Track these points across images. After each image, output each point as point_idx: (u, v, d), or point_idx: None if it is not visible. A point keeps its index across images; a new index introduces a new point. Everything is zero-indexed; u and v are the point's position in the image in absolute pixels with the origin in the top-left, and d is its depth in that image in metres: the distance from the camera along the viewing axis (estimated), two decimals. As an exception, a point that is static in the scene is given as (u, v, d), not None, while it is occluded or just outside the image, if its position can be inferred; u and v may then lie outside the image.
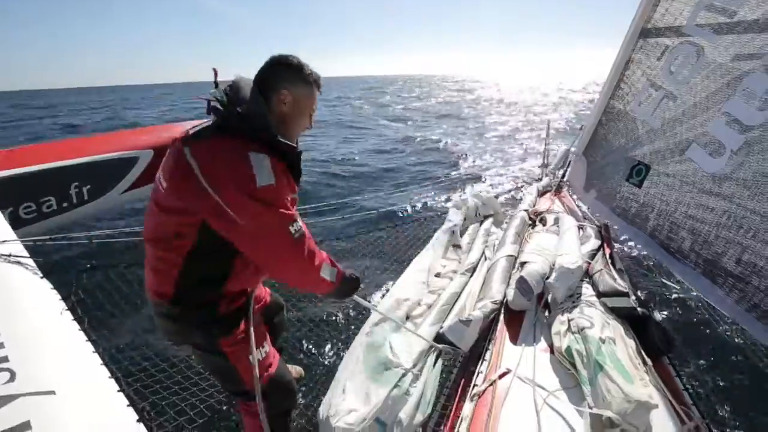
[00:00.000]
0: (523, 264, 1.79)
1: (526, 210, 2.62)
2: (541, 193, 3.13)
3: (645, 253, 3.01)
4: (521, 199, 3.07)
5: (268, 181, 1.04)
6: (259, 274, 1.31)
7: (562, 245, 1.93)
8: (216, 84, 1.19)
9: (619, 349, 1.34)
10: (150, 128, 5.17)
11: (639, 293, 1.75)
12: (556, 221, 2.42)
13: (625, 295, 1.55)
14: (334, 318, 2.70)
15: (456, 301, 1.77)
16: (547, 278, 1.68)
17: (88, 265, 2.92)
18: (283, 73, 1.17)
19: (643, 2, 2.44)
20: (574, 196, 3.07)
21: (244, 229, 1.06)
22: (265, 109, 1.12)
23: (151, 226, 1.19)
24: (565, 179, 3.17)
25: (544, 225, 2.49)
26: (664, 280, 2.87)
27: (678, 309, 2.58)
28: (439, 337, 1.57)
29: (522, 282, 1.65)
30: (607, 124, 2.80)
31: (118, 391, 0.99)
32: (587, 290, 1.66)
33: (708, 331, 2.34)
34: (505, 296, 1.72)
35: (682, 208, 2.11)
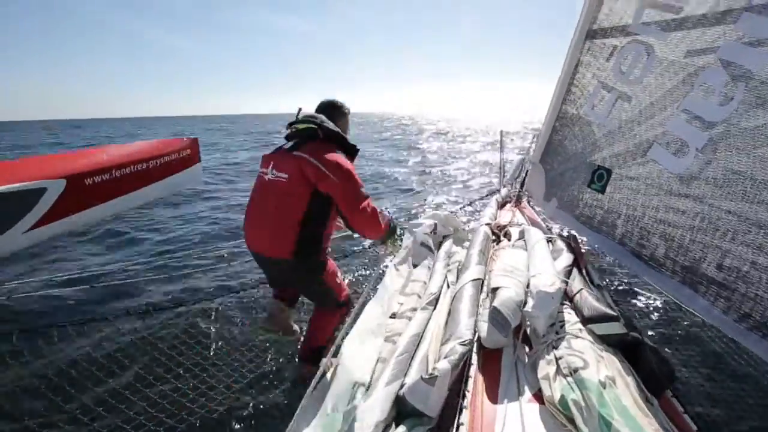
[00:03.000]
0: (494, 290, 1.52)
1: (488, 224, 2.40)
2: (501, 205, 2.95)
3: (617, 263, 2.90)
4: (480, 213, 2.87)
5: (348, 163, 1.77)
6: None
7: (534, 263, 1.70)
8: (297, 116, 1.81)
9: (622, 392, 1.08)
10: (62, 155, 4.50)
11: (626, 313, 1.52)
12: (522, 234, 2.20)
13: (615, 319, 1.32)
14: (285, 366, 2.26)
15: (418, 346, 1.44)
16: (524, 305, 1.42)
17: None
18: (339, 110, 1.99)
19: (586, 3, 2.37)
20: (536, 206, 2.92)
21: (340, 184, 1.68)
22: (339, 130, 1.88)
23: (266, 204, 1.74)
24: (524, 189, 3.03)
25: (509, 239, 2.27)
26: (640, 291, 2.75)
27: (664, 325, 2.44)
28: (400, 401, 1.23)
29: (496, 314, 1.37)
30: (562, 129, 2.69)
31: None
32: (570, 316, 1.41)
33: (701, 348, 2.21)
34: (475, 332, 1.43)
35: (651, 212, 1.97)
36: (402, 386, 1.26)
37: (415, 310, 1.72)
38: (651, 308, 2.45)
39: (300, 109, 1.84)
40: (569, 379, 1.11)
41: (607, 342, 1.32)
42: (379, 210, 1.86)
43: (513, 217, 2.63)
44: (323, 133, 1.75)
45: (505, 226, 2.45)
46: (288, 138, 1.77)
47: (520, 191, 3.03)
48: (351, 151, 1.86)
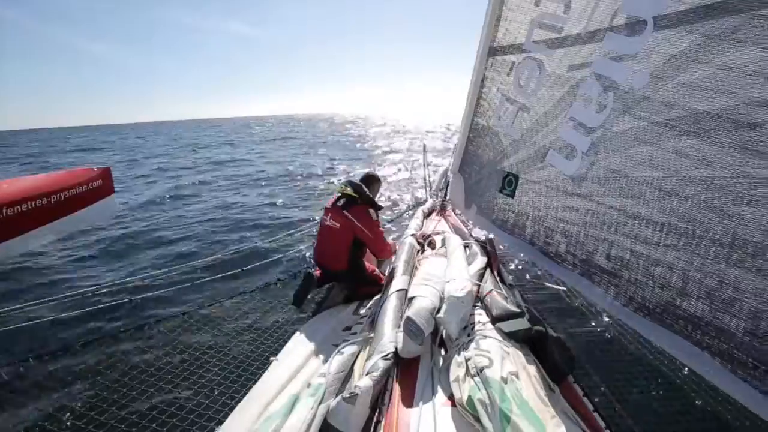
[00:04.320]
0: (410, 300, 1.55)
1: (413, 235, 2.46)
2: (427, 215, 3.05)
3: (530, 262, 3.11)
4: (407, 224, 2.94)
5: (375, 217, 2.74)
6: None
7: (450, 270, 1.76)
8: (344, 184, 2.84)
9: (524, 385, 1.15)
10: None
11: (532, 309, 1.63)
12: (444, 242, 2.28)
13: (519, 315, 1.40)
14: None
15: (354, 363, 1.43)
16: (438, 312, 1.46)
17: None
18: (374, 178, 3.02)
19: (486, 23, 2.56)
20: (459, 214, 3.05)
21: (371, 237, 2.69)
22: (371, 194, 2.86)
23: (328, 240, 2.77)
24: (447, 198, 3.16)
25: (432, 248, 2.34)
26: (551, 286, 2.95)
27: (572, 317, 2.64)
28: (325, 422, 1.21)
29: (409, 323, 1.39)
30: (475, 140, 2.86)
31: None
32: (480, 317, 1.48)
33: (605, 336, 2.41)
34: (397, 343, 1.45)
35: (552, 212, 2.15)
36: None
37: (360, 323, 1.74)
38: (559, 301, 2.67)
39: (349, 181, 2.85)
40: (476, 379, 1.16)
41: (514, 338, 1.40)
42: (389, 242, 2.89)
43: (437, 226, 2.72)
44: (362, 200, 2.73)
45: (429, 236, 2.53)
46: (340, 195, 2.80)
47: (444, 200, 3.16)
48: (377, 207, 2.81)
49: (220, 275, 3.58)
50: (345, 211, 2.67)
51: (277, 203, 7.90)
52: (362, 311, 2.40)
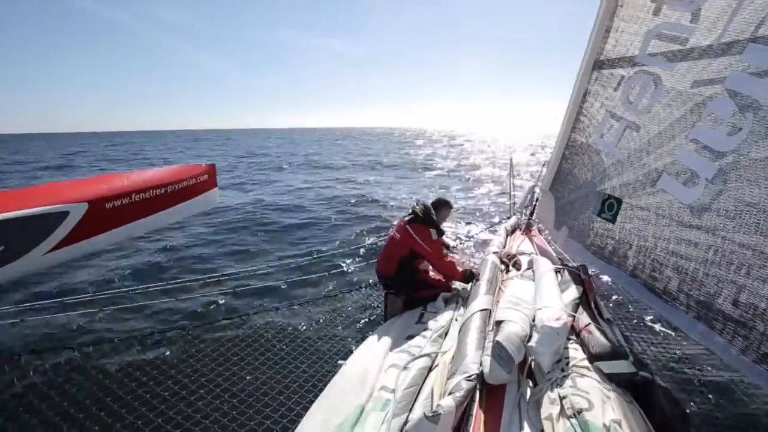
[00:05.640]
0: (498, 323, 1.49)
1: (496, 253, 2.37)
2: (510, 232, 2.92)
3: (630, 295, 2.80)
4: (489, 241, 2.85)
5: (435, 237, 2.73)
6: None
7: (541, 296, 1.66)
8: (414, 205, 2.92)
9: (628, 437, 1.03)
10: (84, 180, 4.72)
11: (635, 350, 1.46)
12: (531, 264, 2.17)
13: (623, 356, 1.27)
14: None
15: (425, 378, 1.41)
16: (529, 340, 1.38)
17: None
18: (445, 204, 3.00)
19: (593, 35, 2.40)
20: (546, 233, 2.88)
21: (429, 251, 2.69)
22: (435, 217, 2.87)
23: (386, 249, 2.90)
24: (533, 217, 2.99)
25: (517, 269, 2.24)
26: (653, 325, 2.63)
27: (679, 364, 2.30)
28: None
29: (499, 348, 1.33)
30: (571, 158, 2.68)
31: None
32: (576, 352, 1.37)
33: (720, 390, 2.07)
34: (481, 366, 1.39)
35: (663, 244, 1.92)
36: (406, 422, 1.23)
37: (426, 338, 1.73)
38: (665, 345, 2.32)
39: (423, 202, 2.97)
40: (573, 421, 1.07)
41: (616, 381, 1.27)
42: (452, 262, 2.83)
43: (522, 245, 2.59)
44: (423, 220, 2.84)
45: (514, 255, 2.42)
46: (411, 213, 2.97)
47: (530, 219, 3.00)
48: (438, 230, 2.86)
49: (306, 276, 3.84)
50: (408, 226, 2.83)
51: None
52: (424, 319, 2.32)
